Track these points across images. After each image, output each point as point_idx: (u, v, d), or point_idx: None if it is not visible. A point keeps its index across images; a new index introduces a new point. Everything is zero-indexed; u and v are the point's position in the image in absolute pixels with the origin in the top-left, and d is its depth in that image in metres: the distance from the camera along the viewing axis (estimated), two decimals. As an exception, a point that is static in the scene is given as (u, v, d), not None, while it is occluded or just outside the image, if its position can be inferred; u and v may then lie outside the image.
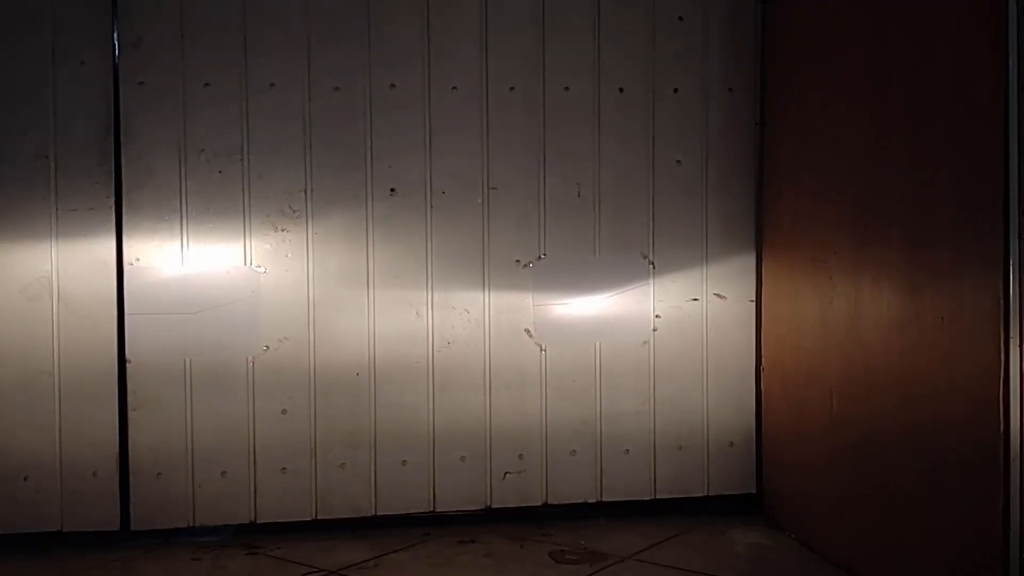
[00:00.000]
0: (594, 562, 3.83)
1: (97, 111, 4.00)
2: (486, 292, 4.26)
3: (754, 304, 4.46)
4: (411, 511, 4.25)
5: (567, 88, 4.31)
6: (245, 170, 4.10)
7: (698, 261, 4.42)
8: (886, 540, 3.42)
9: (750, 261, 4.46)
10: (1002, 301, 2.82)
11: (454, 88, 4.23)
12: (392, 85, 4.19)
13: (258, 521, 4.13)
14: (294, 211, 4.13)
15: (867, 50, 3.54)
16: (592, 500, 4.38)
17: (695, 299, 4.42)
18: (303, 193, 4.14)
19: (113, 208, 4.01)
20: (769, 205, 4.35)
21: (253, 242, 4.11)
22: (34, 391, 3.97)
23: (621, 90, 4.35)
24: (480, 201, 4.26)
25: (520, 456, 4.31)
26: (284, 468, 4.14)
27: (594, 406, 4.36)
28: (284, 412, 4.13)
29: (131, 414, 4.03)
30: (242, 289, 4.10)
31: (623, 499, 4.40)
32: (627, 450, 4.39)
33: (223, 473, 4.10)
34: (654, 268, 4.39)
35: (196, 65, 4.06)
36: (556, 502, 4.35)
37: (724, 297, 4.45)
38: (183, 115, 4.05)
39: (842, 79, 3.71)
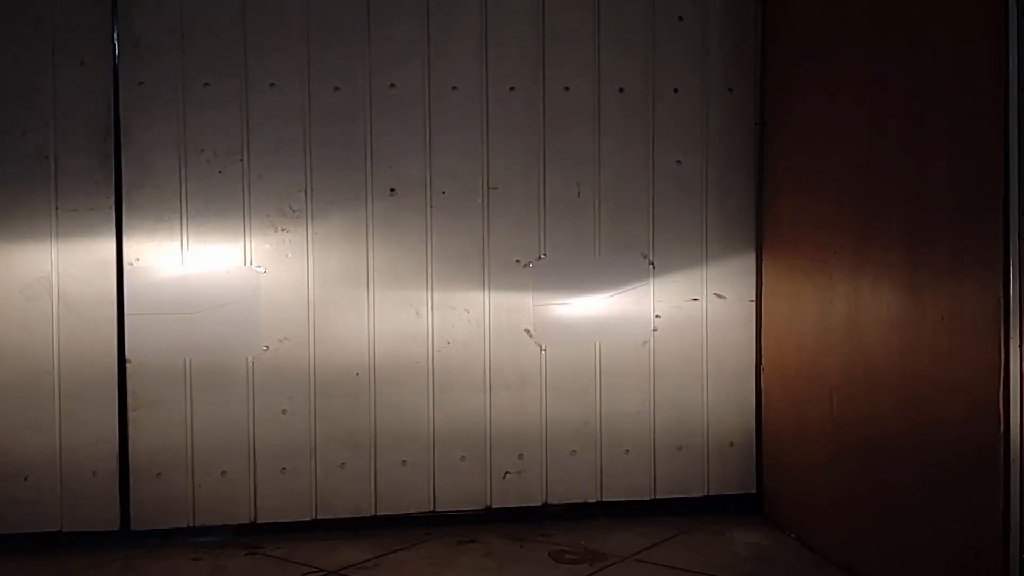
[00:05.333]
0: (594, 562, 3.83)
1: (97, 111, 4.00)
2: (486, 292, 4.26)
3: (754, 304, 4.46)
4: (411, 511, 4.25)
5: (567, 88, 4.31)
6: (245, 170, 4.10)
7: (698, 261, 4.42)
8: (886, 540, 3.42)
9: (750, 261, 4.46)
10: (1002, 301, 2.82)
11: (454, 88, 4.23)
12: (392, 85, 4.19)
13: (258, 521, 4.13)
14: (294, 211, 4.14)
15: (867, 49, 3.54)
16: (592, 500, 4.38)
17: (695, 299, 4.42)
18: (303, 193, 4.14)
19: (113, 208, 4.01)
20: (769, 205, 4.35)
21: (253, 242, 4.11)
22: (34, 391, 3.97)
23: (621, 90, 4.35)
24: (480, 201, 4.26)
25: (520, 456, 4.31)
26: (284, 468, 4.14)
27: (594, 406, 4.36)
28: (284, 412, 4.13)
29: (131, 414, 4.03)
30: (242, 289, 4.10)
31: (623, 499, 4.40)
32: (627, 450, 4.39)
33: (223, 473, 4.10)
34: (654, 268, 4.39)
35: (196, 65, 4.06)
36: (556, 502, 4.35)
37: (724, 297, 4.45)
38: (183, 115, 4.05)
39: (842, 79, 3.71)
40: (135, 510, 4.05)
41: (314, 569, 3.77)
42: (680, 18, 4.40)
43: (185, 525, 4.09)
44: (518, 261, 4.30)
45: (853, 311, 3.62)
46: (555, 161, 4.30)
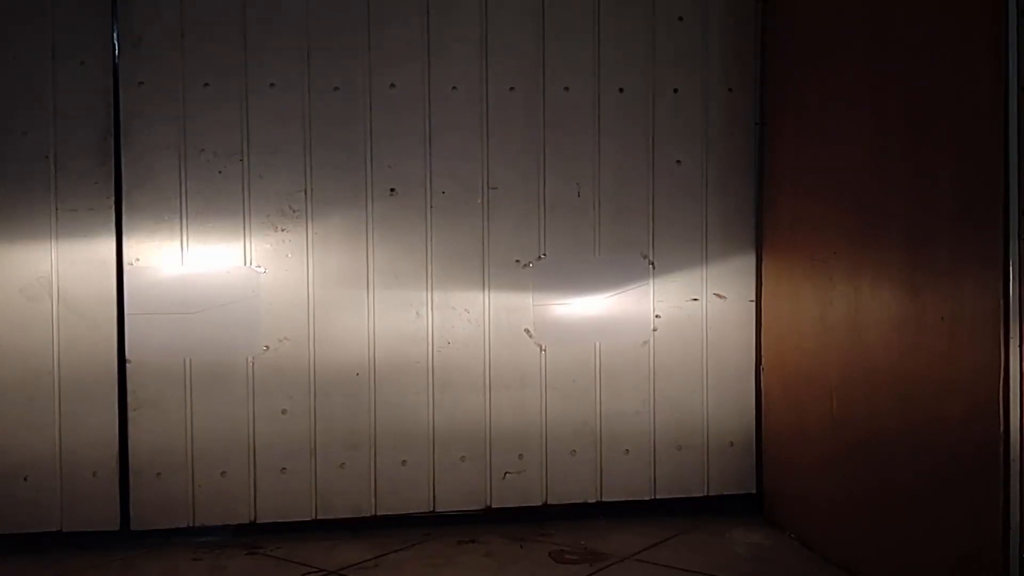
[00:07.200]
0: (594, 562, 3.83)
1: (97, 111, 4.00)
2: (486, 292, 4.26)
3: (754, 304, 4.46)
4: (411, 511, 4.25)
5: (567, 88, 4.31)
6: (245, 170, 4.10)
7: (698, 261, 4.42)
8: (886, 540, 3.42)
9: (750, 261, 4.46)
10: (1002, 301, 2.83)
11: (454, 88, 4.23)
12: (392, 85, 4.19)
13: (258, 521, 4.13)
14: (294, 211, 4.14)
15: (867, 50, 3.54)
16: (592, 500, 4.38)
17: (695, 299, 4.43)
18: (303, 193, 4.14)
19: (113, 208, 4.01)
20: (769, 205, 4.36)
21: (253, 242, 4.11)
22: (34, 391, 3.97)
23: (621, 90, 4.35)
24: (480, 201, 4.26)
25: (520, 456, 4.31)
26: (284, 468, 4.14)
27: (594, 406, 4.36)
28: (284, 412, 4.13)
29: (131, 414, 4.03)
30: (242, 289, 4.10)
31: (623, 499, 4.40)
32: (627, 450, 4.39)
33: (223, 473, 4.10)
34: (654, 268, 4.39)
35: (196, 65, 4.06)
36: (556, 502, 4.35)
37: (724, 297, 4.45)
38: (183, 115, 4.05)
39: (842, 79, 3.71)
40: (135, 510, 4.05)
41: (314, 569, 3.77)
42: (680, 18, 4.40)
43: (185, 525, 4.09)
44: (518, 261, 4.30)
45: (853, 311, 3.62)
46: (555, 161, 4.30)
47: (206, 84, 4.07)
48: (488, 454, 4.29)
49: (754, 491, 4.47)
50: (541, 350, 4.32)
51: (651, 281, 4.38)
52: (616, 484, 4.39)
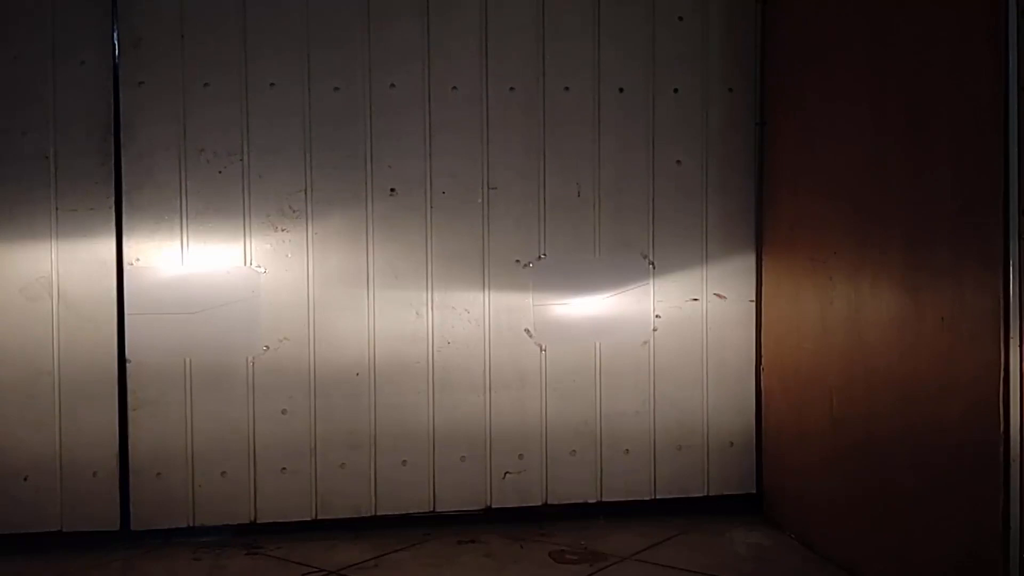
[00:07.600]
0: (594, 562, 3.83)
1: (97, 111, 4.00)
2: (486, 292, 4.26)
3: (754, 304, 4.46)
4: (411, 511, 4.25)
5: (567, 88, 4.31)
6: (245, 170, 4.10)
7: (698, 261, 4.42)
8: (886, 540, 3.42)
9: (750, 261, 4.46)
10: (1002, 301, 2.82)
11: (454, 88, 4.23)
12: (392, 85, 4.19)
13: (258, 521, 4.13)
14: (294, 211, 4.14)
15: (867, 50, 3.54)
16: (592, 500, 4.38)
17: (695, 299, 4.43)
18: (303, 193, 4.14)
19: (113, 208, 4.01)
20: (769, 205, 4.35)
21: (253, 242, 4.11)
22: (34, 391, 3.97)
23: (621, 90, 4.35)
24: (480, 201, 4.26)
25: (520, 456, 4.31)
26: (284, 468, 4.14)
27: (594, 406, 4.36)
28: (284, 412, 4.13)
29: (131, 414, 4.03)
30: (242, 289, 4.10)
31: (623, 499, 4.40)
32: (627, 450, 4.39)
33: (223, 473, 4.10)
34: (654, 268, 4.39)
35: (196, 65, 4.06)
36: (556, 502, 4.35)
37: (724, 297, 4.45)
38: (183, 115, 4.05)
39: (842, 79, 3.71)
40: (135, 510, 4.05)
41: (314, 569, 3.77)
42: (680, 18, 4.40)
43: (185, 525, 4.09)
44: (518, 261, 4.30)
45: (853, 311, 3.62)
46: (555, 161, 4.30)
47: (206, 84, 4.07)
48: (488, 454, 4.29)
49: (754, 491, 4.47)
50: (541, 350, 4.32)
51: (651, 281, 4.38)
52: (616, 484, 4.39)
